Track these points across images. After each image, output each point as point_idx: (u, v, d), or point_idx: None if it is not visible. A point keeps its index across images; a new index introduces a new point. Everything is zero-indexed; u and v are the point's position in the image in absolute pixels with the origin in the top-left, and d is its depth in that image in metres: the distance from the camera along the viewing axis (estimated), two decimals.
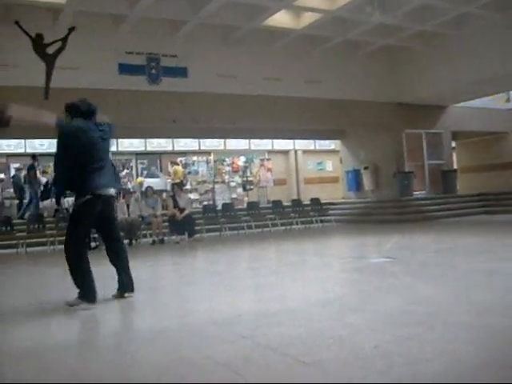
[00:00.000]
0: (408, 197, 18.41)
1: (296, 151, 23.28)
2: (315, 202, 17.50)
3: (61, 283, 6.91)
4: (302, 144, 23.16)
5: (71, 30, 13.95)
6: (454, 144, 23.07)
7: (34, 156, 16.14)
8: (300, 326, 4.02)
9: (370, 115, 18.28)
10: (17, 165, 18.04)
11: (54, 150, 17.98)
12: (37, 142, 18.54)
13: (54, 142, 18.05)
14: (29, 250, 12.66)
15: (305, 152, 23.50)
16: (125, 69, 15.54)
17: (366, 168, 19.79)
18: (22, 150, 18.43)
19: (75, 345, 3.85)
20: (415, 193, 19.02)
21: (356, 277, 6.64)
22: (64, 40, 13.99)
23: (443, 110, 20.36)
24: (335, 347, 3.43)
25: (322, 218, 16.98)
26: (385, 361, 3.08)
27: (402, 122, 18.92)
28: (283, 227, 15.88)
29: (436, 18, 15.49)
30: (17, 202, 16.61)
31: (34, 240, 13.07)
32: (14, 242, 12.76)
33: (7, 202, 17.26)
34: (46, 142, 18.59)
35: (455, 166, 22.02)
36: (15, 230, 13.35)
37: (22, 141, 18.29)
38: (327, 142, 23.40)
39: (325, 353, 3.31)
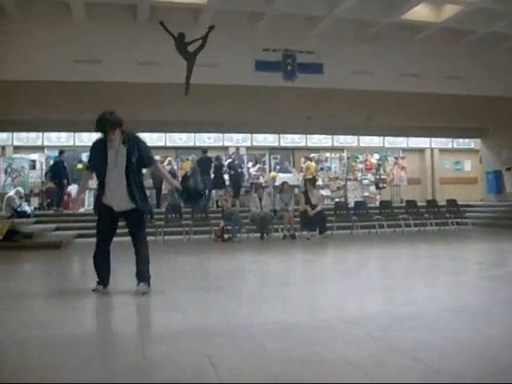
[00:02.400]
0: None
1: (432, 150, 22.49)
2: (451, 203, 16.77)
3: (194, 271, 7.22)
4: (438, 142, 22.35)
5: (211, 28, 14.51)
6: None
7: None
8: (433, 332, 3.90)
9: None
10: (158, 157, 19.05)
11: (191, 143, 18.60)
12: (175, 135, 19.47)
13: (193, 135, 18.48)
14: (166, 238, 13.27)
15: (441, 151, 22.65)
16: (261, 65, 15.86)
17: (508, 169, 18.68)
18: (162, 144, 19.38)
19: (208, 332, 4.00)
20: None
21: (493, 285, 6.29)
22: (204, 38, 14.60)
23: None
24: (470, 357, 3.29)
25: (458, 220, 16.25)
26: None
27: None
28: (416, 228, 15.42)
29: None
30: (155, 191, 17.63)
31: (171, 229, 13.68)
32: (153, 229, 13.43)
33: (147, 192, 18.28)
34: (184, 135, 19.48)
35: None
36: (154, 218, 14.02)
37: (163, 134, 19.27)
38: (466, 140, 22.38)
39: (459, 362, 3.18)
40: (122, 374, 3.04)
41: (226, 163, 17.76)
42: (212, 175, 16.98)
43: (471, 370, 3.05)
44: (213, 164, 17.14)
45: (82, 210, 17.19)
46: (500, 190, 19.24)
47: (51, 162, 18.60)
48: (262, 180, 18.66)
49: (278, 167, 20.66)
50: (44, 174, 17.85)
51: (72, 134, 18.77)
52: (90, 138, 18.76)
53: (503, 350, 3.43)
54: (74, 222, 14.60)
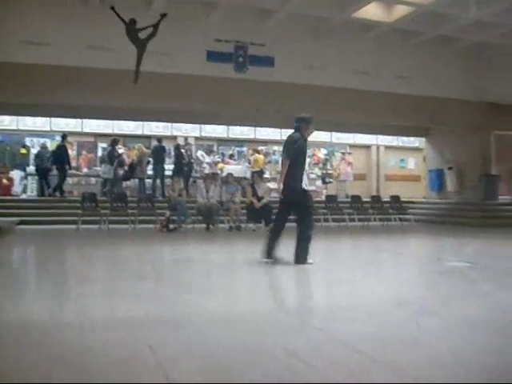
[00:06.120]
0: (493, 201, 17.74)
1: (378, 146, 22.93)
2: (395, 199, 17.19)
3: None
4: (384, 139, 22.78)
5: (163, 16, 14.23)
6: None
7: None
8: (374, 323, 3.98)
9: (458, 114, 17.69)
10: (104, 144, 18.78)
11: (139, 131, 18.29)
12: (123, 123, 19.14)
13: (141, 124, 17.92)
14: (111, 226, 13.06)
15: (387, 148, 23.12)
16: (213, 56, 15.74)
17: (450, 168, 19.24)
18: (109, 131, 19.09)
19: (151, 321, 3.97)
20: (501, 197, 18.30)
21: (433, 279, 6.47)
22: (156, 26, 14.29)
23: None
24: (409, 349, 3.37)
25: (401, 216, 16.66)
26: (463, 370, 2.98)
27: (491, 122, 18.13)
28: (360, 223, 15.70)
29: None
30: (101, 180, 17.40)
31: (116, 218, 13.49)
32: (98, 218, 13.22)
33: (93, 180, 18.17)
34: (132, 124, 19.20)
35: None
36: (99, 206, 13.81)
37: (110, 122, 18.96)
38: (411, 139, 22.90)
39: (397, 353, 3.26)
40: (66, 358, 2.99)
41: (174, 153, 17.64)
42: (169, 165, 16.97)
43: (410, 361, 3.12)
44: (173, 153, 17.08)
45: (23, 197, 16.77)
46: (441, 188, 19.81)
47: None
48: (217, 170, 18.59)
49: (225, 159, 20.63)
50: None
51: (15, 117, 18.19)
52: (34, 122, 18.32)
53: (441, 342, 3.53)
54: (15, 208, 14.20)
